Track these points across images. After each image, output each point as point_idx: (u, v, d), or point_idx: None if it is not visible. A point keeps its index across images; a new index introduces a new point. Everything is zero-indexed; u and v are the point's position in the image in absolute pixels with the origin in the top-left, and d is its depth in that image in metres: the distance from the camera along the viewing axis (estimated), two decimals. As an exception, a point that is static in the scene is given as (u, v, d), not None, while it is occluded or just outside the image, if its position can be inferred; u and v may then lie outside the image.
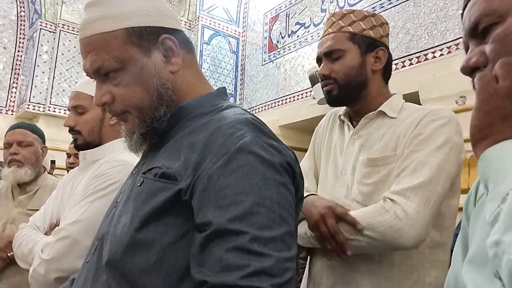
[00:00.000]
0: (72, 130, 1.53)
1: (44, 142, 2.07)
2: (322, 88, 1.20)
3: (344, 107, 1.25)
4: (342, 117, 1.25)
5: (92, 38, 0.73)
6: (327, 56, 1.17)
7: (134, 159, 1.44)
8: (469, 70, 0.60)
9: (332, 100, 1.18)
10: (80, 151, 1.57)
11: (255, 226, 0.58)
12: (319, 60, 1.21)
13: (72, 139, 1.56)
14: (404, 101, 1.19)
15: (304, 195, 1.16)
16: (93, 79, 0.78)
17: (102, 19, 0.73)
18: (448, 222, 1.08)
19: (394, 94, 1.20)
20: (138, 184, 0.72)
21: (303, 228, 1.12)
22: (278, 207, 0.61)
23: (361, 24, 1.17)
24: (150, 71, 0.74)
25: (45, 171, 2.17)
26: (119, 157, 1.41)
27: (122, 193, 0.80)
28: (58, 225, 1.42)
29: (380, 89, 1.18)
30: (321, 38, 1.23)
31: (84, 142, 1.53)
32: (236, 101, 4.96)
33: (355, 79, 1.14)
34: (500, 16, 0.56)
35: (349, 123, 1.22)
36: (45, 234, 1.51)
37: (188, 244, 0.63)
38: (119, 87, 0.74)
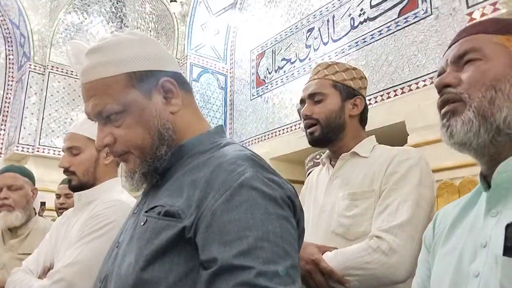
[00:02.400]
0: (66, 171, 1.53)
1: (34, 183, 2.06)
2: (305, 127, 1.29)
3: (326, 151, 1.35)
4: (323, 160, 1.35)
5: (94, 83, 0.76)
6: (310, 98, 1.28)
7: (130, 199, 1.44)
8: (442, 85, 0.71)
9: (314, 140, 1.26)
10: (75, 192, 1.56)
11: (260, 261, 0.58)
12: (302, 102, 1.32)
13: (62, 180, 1.56)
14: (377, 143, 1.30)
15: None
16: (94, 121, 0.80)
17: (104, 65, 0.76)
18: None
19: (368, 136, 1.31)
20: (142, 223, 0.72)
21: None
22: (282, 241, 0.62)
23: (343, 75, 1.29)
24: (151, 112, 0.76)
25: (36, 213, 2.14)
26: (114, 197, 1.41)
27: (124, 232, 0.80)
28: (52, 269, 1.39)
29: (356, 132, 1.28)
30: (306, 83, 1.34)
31: (79, 183, 1.52)
32: (227, 135, 4.99)
33: (334, 121, 1.24)
34: (485, 56, 0.69)
35: (329, 165, 1.31)
36: (38, 278, 1.48)
37: (193, 282, 0.63)
38: (121, 129, 0.76)
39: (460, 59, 0.72)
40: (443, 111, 0.70)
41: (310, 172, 2.13)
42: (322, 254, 1.08)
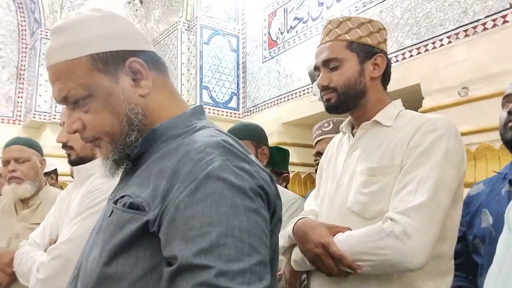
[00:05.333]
0: (65, 146, 1.53)
1: (42, 154, 2.08)
2: (321, 97, 1.19)
3: (347, 118, 1.24)
4: (344, 128, 1.24)
5: (57, 67, 0.72)
6: (325, 65, 1.16)
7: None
8: None
9: (330, 108, 1.17)
10: (74, 167, 1.57)
11: (222, 259, 0.56)
12: (317, 69, 1.20)
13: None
14: (403, 108, 1.17)
15: (296, 220, 1.16)
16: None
17: (66, 46, 0.71)
18: (450, 233, 1.05)
19: (393, 101, 1.18)
20: (108, 215, 0.70)
21: (299, 254, 1.12)
22: (248, 236, 0.59)
23: (358, 32, 1.15)
24: (118, 96, 0.72)
25: (46, 183, 2.18)
26: (111, 171, 1.41)
27: (100, 218, 0.79)
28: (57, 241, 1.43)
29: (379, 96, 1.17)
30: (318, 46, 1.21)
31: (77, 158, 1.53)
32: (239, 100, 4.94)
33: (354, 87, 1.13)
34: None
35: (350, 134, 1.21)
36: (45, 251, 1.52)
37: (159, 277, 0.62)
38: (89, 114, 0.73)
39: None
40: None
41: (318, 141, 2.06)
42: (334, 236, 1.02)
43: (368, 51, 1.14)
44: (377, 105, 1.15)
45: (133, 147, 0.74)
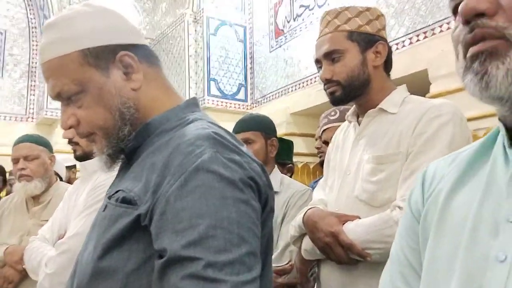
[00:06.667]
0: (70, 141, 1.56)
1: (51, 151, 2.11)
2: (325, 90, 1.19)
3: (351, 108, 1.24)
4: (349, 117, 1.24)
5: (50, 63, 0.73)
6: (326, 58, 1.15)
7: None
8: (474, 13, 0.48)
9: (335, 100, 1.17)
10: (80, 162, 1.59)
11: (211, 251, 0.56)
12: (318, 62, 1.19)
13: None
14: (409, 93, 1.17)
15: (306, 209, 1.18)
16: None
17: (57, 43, 0.72)
18: None
19: (398, 87, 1.18)
20: (102, 210, 0.72)
21: (309, 243, 1.13)
22: (237, 227, 0.59)
23: (357, 20, 1.14)
24: (109, 90, 0.73)
25: (57, 179, 2.22)
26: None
27: (98, 213, 0.80)
28: (66, 236, 1.46)
29: (382, 83, 1.16)
30: (318, 38, 1.20)
31: (83, 153, 1.55)
32: (247, 91, 4.93)
33: (357, 78, 1.13)
34: None
35: (356, 123, 1.20)
36: (54, 246, 1.56)
37: (152, 269, 0.63)
38: (82, 109, 0.74)
39: None
40: (473, 50, 0.49)
41: (324, 130, 2.05)
42: (343, 225, 1.03)
43: (369, 40, 1.14)
44: (381, 92, 1.15)
45: (127, 141, 0.75)
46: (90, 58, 0.72)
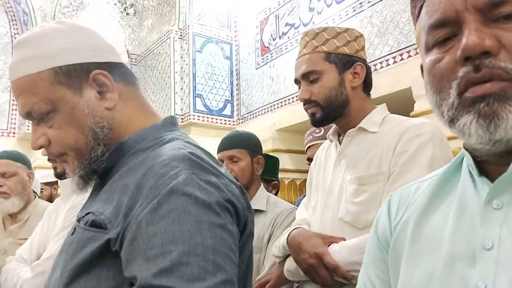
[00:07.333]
0: (50, 159, 1.52)
1: (29, 167, 2.06)
2: (306, 110, 1.19)
3: (332, 127, 1.25)
4: (330, 136, 1.24)
5: (20, 81, 0.71)
6: (304, 78, 1.16)
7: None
8: (480, 51, 0.46)
9: (316, 122, 1.17)
10: (60, 180, 1.55)
11: (184, 279, 0.53)
12: (297, 82, 1.20)
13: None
14: (388, 113, 1.17)
15: (290, 230, 1.16)
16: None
17: (28, 61, 0.70)
18: None
19: (377, 106, 1.19)
20: (71, 234, 0.69)
21: (293, 264, 1.11)
22: (212, 253, 0.56)
23: (335, 42, 1.16)
24: (82, 110, 0.71)
25: (35, 197, 2.16)
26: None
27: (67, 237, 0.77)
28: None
29: (362, 103, 1.17)
30: (296, 59, 1.21)
31: (63, 171, 1.51)
32: (233, 107, 4.92)
33: (336, 99, 1.13)
34: None
35: (337, 142, 1.20)
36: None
37: None
38: (53, 129, 0.71)
39: (494, 8, 0.47)
40: (480, 91, 0.46)
41: (309, 147, 2.05)
42: (328, 246, 1.02)
43: (346, 61, 1.15)
44: (360, 112, 1.16)
45: (99, 162, 0.72)
46: (62, 76, 0.70)
